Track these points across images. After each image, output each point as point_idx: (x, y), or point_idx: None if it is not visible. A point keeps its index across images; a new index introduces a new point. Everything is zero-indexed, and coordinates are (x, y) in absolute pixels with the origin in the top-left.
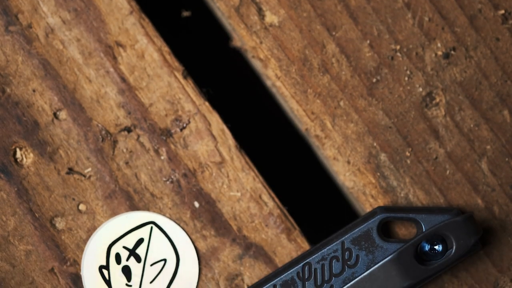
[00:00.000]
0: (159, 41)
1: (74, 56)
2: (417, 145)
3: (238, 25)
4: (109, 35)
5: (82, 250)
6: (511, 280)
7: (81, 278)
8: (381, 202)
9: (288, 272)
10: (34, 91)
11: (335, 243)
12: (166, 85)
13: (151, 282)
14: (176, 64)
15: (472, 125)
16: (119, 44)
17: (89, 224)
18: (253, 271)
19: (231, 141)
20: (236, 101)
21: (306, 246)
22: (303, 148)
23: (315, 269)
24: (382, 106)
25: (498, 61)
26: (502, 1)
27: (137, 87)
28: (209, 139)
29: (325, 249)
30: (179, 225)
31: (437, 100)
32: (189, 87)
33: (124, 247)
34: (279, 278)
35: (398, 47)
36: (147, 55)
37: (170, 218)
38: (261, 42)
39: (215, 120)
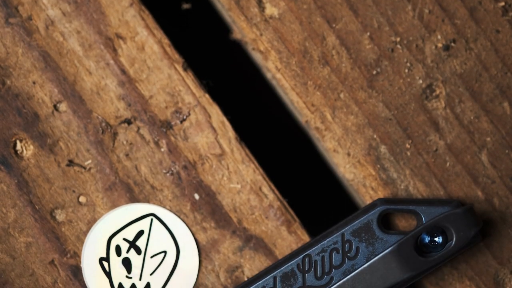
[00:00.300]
0: (159, 33)
1: (74, 48)
2: (417, 137)
3: (238, 17)
4: (109, 27)
5: (82, 242)
6: (511, 272)
7: (81, 270)
8: (381, 194)
9: (288, 264)
10: (34, 83)
11: (335, 235)
12: (166, 77)
13: (151, 274)
14: (176, 56)
15: (472, 117)
16: (119, 36)
17: (89, 216)
18: (253, 263)
19: (231, 133)
20: (236, 93)
21: (306, 238)
22: (303, 140)
23: (315, 261)
24: (382, 98)
25: (498, 53)
26: None
27: (137, 79)
28: (209, 131)
29: (325, 241)
30: (179, 217)
31: (437, 92)
32: (189, 79)
33: (124, 239)
34: (279, 270)
35: (398, 39)
36: (147, 47)
37: (170, 210)
38: (261, 34)
39: (215, 112)
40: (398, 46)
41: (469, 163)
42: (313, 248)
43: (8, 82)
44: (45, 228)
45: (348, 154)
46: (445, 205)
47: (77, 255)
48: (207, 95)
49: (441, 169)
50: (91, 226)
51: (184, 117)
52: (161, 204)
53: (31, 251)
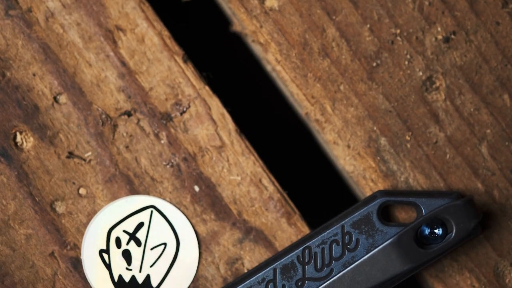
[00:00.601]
0: (159, 25)
1: (74, 40)
2: (417, 129)
3: (238, 9)
4: (109, 19)
5: (82, 234)
6: (511, 264)
7: (81, 262)
8: (381, 186)
9: (288, 256)
10: (34, 75)
11: (335, 227)
12: (166, 69)
13: (151, 266)
14: (176, 48)
15: (472, 109)
16: (119, 28)
17: (89, 208)
18: (253, 255)
19: (231, 125)
20: (236, 85)
21: (306, 230)
22: (303, 132)
23: (315, 253)
24: (382, 90)
25: (498, 45)
26: None
27: (137, 71)
28: (209, 123)
29: (325, 233)
30: (179, 209)
31: (437, 84)
32: (189, 71)
33: (124, 231)
34: (279, 262)
35: (398, 31)
36: (147, 39)
37: (170, 202)
38: (261, 26)
39: (215, 104)
40: (398, 38)
41: (469, 155)
42: (313, 240)
43: (8, 74)
44: (45, 220)
45: (348, 146)
46: (445, 197)
47: (77, 247)
48: (207, 87)
49: (441, 161)
50: (91, 218)
51: (184, 109)
52: (161, 196)
53: (31, 243)
